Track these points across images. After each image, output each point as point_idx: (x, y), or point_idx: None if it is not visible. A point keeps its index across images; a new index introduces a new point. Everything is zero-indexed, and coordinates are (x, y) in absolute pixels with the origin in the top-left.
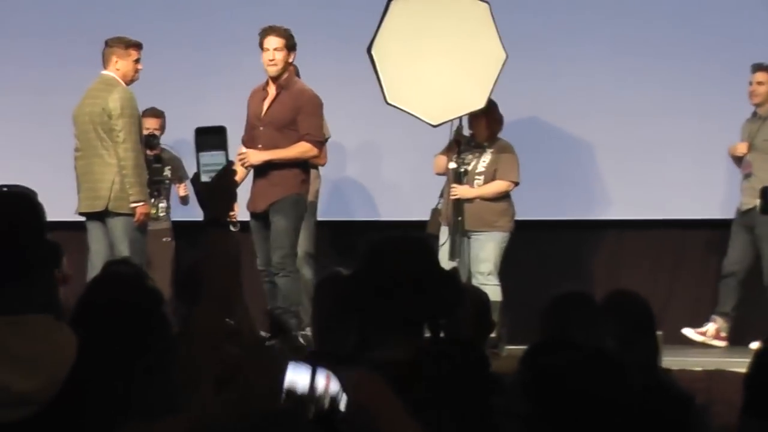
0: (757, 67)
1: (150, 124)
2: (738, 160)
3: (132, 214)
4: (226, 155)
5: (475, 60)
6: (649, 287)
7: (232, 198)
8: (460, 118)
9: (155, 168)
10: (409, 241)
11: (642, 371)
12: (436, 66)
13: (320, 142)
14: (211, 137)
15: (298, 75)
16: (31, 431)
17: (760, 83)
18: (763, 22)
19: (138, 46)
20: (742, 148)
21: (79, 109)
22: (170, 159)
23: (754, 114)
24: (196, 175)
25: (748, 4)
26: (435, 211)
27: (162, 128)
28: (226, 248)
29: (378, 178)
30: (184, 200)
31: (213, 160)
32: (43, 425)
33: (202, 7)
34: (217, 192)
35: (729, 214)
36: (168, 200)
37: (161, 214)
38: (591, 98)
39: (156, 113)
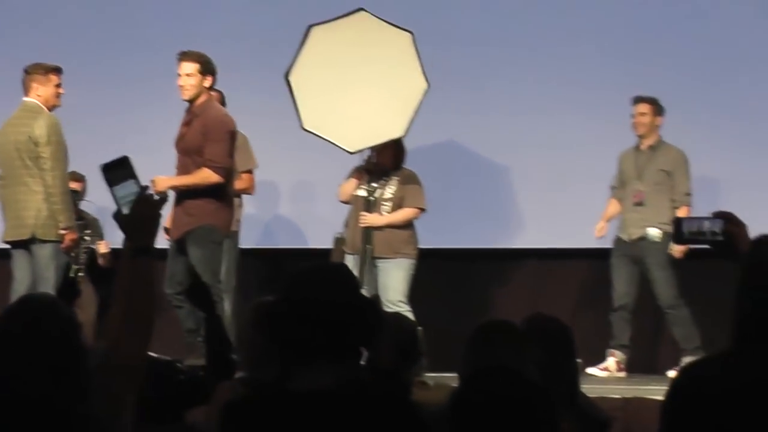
0: (638, 99)
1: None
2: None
3: (59, 241)
4: (137, 182)
5: (396, 89)
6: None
7: (155, 222)
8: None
9: (78, 224)
10: (330, 269)
11: (563, 396)
12: (355, 93)
13: (222, 168)
14: (117, 170)
15: (223, 102)
16: None
17: (642, 114)
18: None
19: (58, 71)
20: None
21: (2, 138)
22: (90, 220)
23: (638, 146)
24: (118, 210)
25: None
26: (338, 240)
27: (83, 191)
28: (151, 277)
29: (292, 206)
30: (105, 258)
31: (126, 190)
32: None
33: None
34: (138, 220)
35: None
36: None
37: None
38: (511, 129)
39: (76, 177)
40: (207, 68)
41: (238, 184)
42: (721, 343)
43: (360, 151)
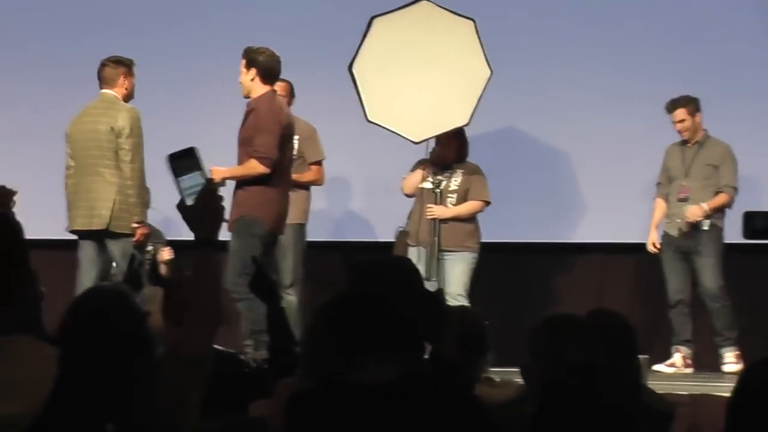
0: (672, 107)
1: None
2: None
3: (131, 234)
4: (204, 174)
5: (459, 77)
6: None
7: (220, 215)
8: (435, 140)
9: None
10: (394, 263)
11: (625, 390)
12: (418, 83)
13: (268, 159)
14: (184, 161)
15: (292, 91)
16: None
17: (681, 121)
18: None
19: (134, 65)
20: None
21: (78, 127)
22: (154, 229)
23: (684, 141)
24: (182, 201)
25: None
26: (401, 233)
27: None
28: (215, 268)
29: (359, 200)
30: (168, 265)
31: (192, 182)
32: None
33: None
34: (203, 212)
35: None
36: None
37: None
38: (575, 120)
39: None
40: (252, 62)
41: (308, 175)
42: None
43: (425, 140)
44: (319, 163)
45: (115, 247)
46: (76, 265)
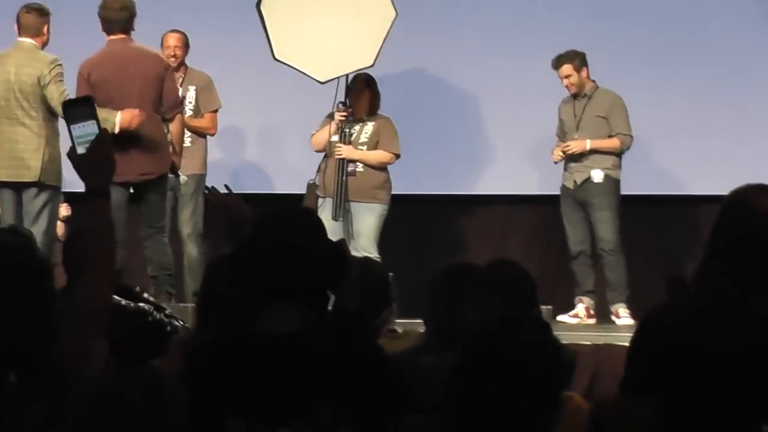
0: (558, 62)
1: None
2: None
3: (59, 187)
4: (97, 124)
5: (365, 18)
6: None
7: (111, 165)
8: (345, 93)
9: None
10: (295, 212)
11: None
12: (325, 22)
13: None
14: (79, 108)
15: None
16: None
17: (568, 76)
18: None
19: None
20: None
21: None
22: None
23: (574, 96)
24: (72, 149)
25: None
26: (311, 186)
27: None
28: (108, 218)
29: (261, 153)
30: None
31: (85, 131)
32: None
33: None
34: (95, 161)
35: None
36: None
37: None
38: (480, 66)
39: None
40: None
41: (199, 122)
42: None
43: (330, 80)
44: (214, 112)
45: (39, 198)
46: None
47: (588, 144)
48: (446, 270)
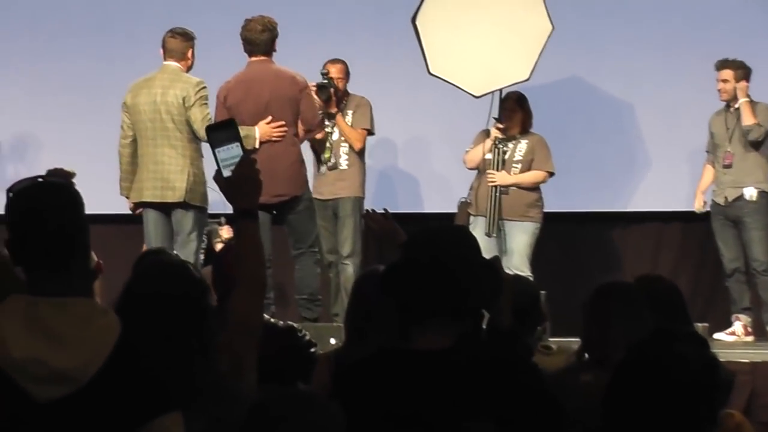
0: (721, 65)
1: None
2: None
3: (204, 207)
4: (241, 146)
5: (520, 32)
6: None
7: (257, 186)
8: (497, 113)
9: None
10: (450, 231)
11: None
12: (480, 37)
13: None
14: (222, 132)
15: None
16: (71, 410)
17: (724, 81)
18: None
19: None
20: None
21: (142, 98)
22: None
23: (728, 107)
24: (218, 172)
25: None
26: (463, 204)
27: None
28: (257, 238)
29: (422, 171)
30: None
31: (229, 153)
32: (83, 404)
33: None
34: (241, 184)
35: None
36: None
37: None
38: (633, 86)
39: None
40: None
41: (350, 131)
42: None
43: (485, 94)
44: (364, 129)
45: (186, 218)
46: (128, 237)
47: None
48: (597, 289)
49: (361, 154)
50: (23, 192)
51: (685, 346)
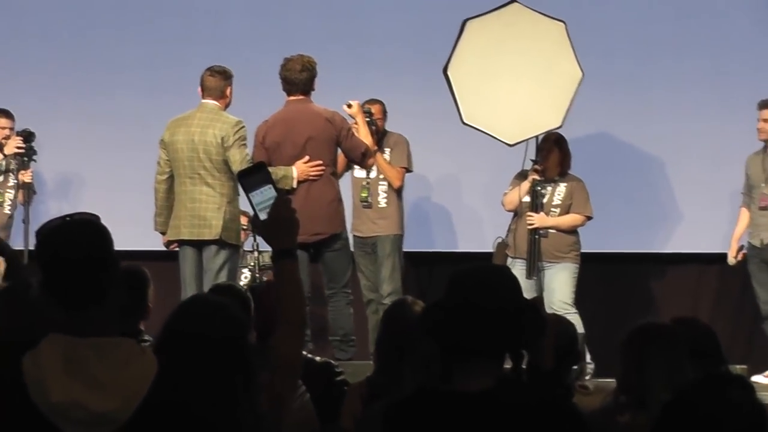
0: (763, 104)
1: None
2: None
3: (238, 246)
4: (274, 187)
5: (551, 79)
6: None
7: (295, 225)
8: (535, 151)
9: None
10: (494, 271)
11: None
12: (512, 85)
13: None
14: (254, 176)
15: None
16: None
17: (766, 120)
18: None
19: None
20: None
21: (180, 136)
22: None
23: (765, 148)
24: (255, 216)
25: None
26: (501, 245)
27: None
28: (296, 277)
29: (458, 210)
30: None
31: (264, 196)
32: None
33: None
34: (278, 225)
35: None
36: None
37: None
38: (668, 126)
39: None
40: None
41: (390, 169)
42: None
43: (518, 143)
44: (402, 168)
45: (218, 256)
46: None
47: None
48: (633, 329)
49: (399, 192)
50: (52, 233)
51: (735, 392)
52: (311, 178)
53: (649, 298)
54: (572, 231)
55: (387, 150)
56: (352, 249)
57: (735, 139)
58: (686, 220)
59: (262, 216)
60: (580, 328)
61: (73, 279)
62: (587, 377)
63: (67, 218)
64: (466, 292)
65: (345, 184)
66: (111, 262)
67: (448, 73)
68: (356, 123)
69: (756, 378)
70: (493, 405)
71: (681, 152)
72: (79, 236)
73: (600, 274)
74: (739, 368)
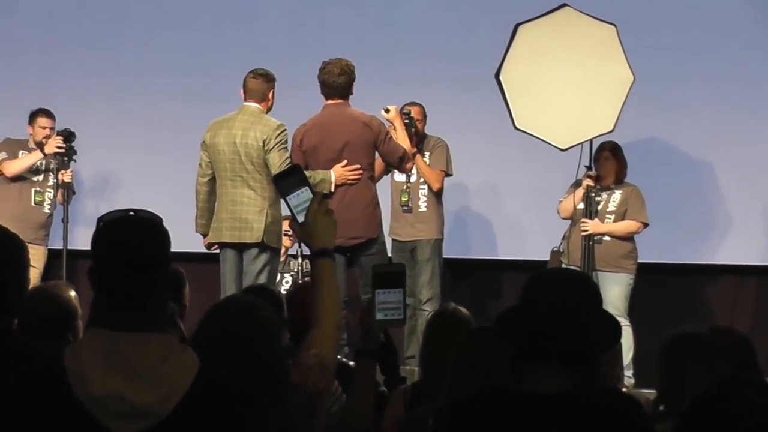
0: None
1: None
2: None
3: (279, 249)
4: (311, 189)
5: (602, 83)
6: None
7: (332, 225)
8: (589, 158)
9: None
10: (576, 276)
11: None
12: (563, 90)
13: None
14: (289, 180)
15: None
16: None
17: None
18: None
19: None
20: None
21: (223, 138)
22: None
23: None
24: (293, 219)
25: None
26: (555, 253)
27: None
28: (333, 278)
29: (497, 217)
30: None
31: (300, 199)
32: None
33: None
34: (315, 225)
35: None
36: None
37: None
38: (711, 135)
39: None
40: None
41: (430, 172)
42: None
43: (571, 147)
44: (441, 171)
45: (259, 259)
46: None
47: None
48: (671, 338)
49: (439, 196)
50: (113, 223)
51: (754, 394)
52: (349, 182)
53: (687, 309)
54: (628, 239)
55: (426, 153)
56: (390, 254)
57: None
58: (724, 230)
59: (300, 218)
60: (630, 341)
61: (128, 276)
62: (624, 389)
63: (131, 212)
64: (537, 292)
65: (384, 188)
66: (164, 264)
67: (501, 78)
68: (394, 127)
69: None
70: (569, 408)
71: (719, 163)
72: (141, 231)
73: (638, 284)
74: None
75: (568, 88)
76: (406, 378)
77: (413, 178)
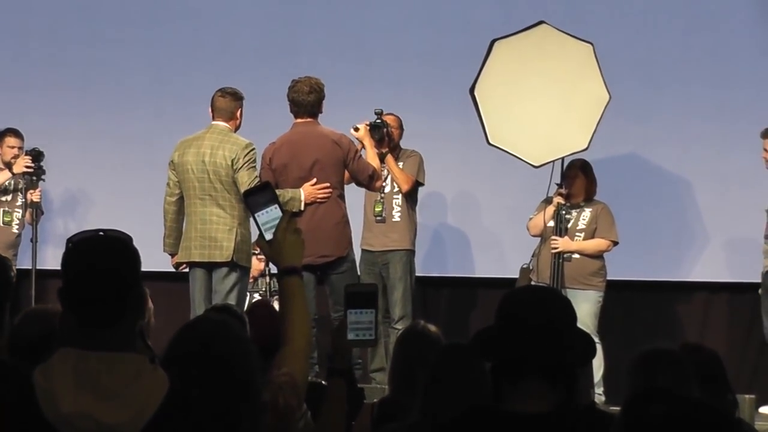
0: (764, 133)
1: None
2: None
3: (249, 268)
4: (280, 207)
5: (578, 101)
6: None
7: (299, 244)
8: (560, 176)
9: None
10: (551, 292)
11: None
12: (538, 107)
13: None
14: (259, 196)
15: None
16: None
17: (766, 150)
18: None
19: None
20: None
21: (190, 157)
22: None
23: None
24: (260, 236)
25: None
26: (525, 270)
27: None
28: (302, 296)
29: (466, 235)
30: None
31: (269, 216)
32: None
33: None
34: (283, 244)
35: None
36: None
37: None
38: (682, 153)
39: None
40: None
41: (400, 172)
42: None
43: (544, 164)
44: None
45: (228, 278)
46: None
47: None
48: (640, 355)
49: (412, 206)
50: (83, 243)
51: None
52: (318, 200)
53: (657, 327)
54: (598, 257)
55: (400, 163)
56: (359, 265)
57: (741, 169)
58: (694, 248)
59: (268, 236)
60: (600, 359)
61: (99, 296)
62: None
63: (101, 232)
64: (515, 308)
65: (359, 198)
66: (135, 283)
67: (475, 93)
68: (363, 146)
69: (763, 409)
70: (547, 428)
71: (691, 181)
72: (111, 250)
73: (607, 301)
74: (747, 398)
75: (543, 105)
76: (364, 389)
77: (387, 189)
